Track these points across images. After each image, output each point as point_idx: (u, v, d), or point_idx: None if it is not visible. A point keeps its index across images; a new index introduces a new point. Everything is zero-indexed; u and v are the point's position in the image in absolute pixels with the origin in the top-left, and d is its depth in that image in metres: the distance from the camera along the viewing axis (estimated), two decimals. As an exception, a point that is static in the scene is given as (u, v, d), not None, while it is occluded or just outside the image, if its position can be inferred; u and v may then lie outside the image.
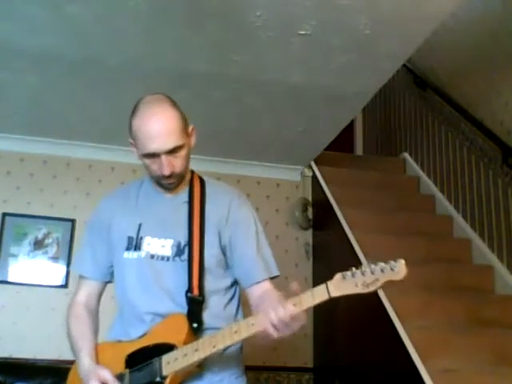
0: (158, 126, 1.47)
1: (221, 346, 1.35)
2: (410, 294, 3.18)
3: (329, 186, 4.15)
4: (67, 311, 1.66)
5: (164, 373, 1.41)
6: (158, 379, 1.41)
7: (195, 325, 1.46)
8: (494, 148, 3.60)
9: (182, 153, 1.52)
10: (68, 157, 4.04)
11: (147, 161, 1.52)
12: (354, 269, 1.29)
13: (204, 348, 1.37)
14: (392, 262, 1.26)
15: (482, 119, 3.79)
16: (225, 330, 1.37)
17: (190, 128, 1.59)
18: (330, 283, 1.30)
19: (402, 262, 1.26)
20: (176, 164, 1.52)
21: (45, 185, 3.98)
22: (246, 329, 1.35)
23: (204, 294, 1.51)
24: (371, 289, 1.27)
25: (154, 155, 1.49)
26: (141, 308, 1.53)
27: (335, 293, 1.29)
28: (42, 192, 3.96)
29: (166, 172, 1.50)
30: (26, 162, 3.98)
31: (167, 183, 1.56)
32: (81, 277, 1.71)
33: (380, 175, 4.54)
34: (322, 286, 1.30)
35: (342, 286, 1.29)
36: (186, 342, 1.41)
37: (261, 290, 1.56)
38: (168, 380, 1.40)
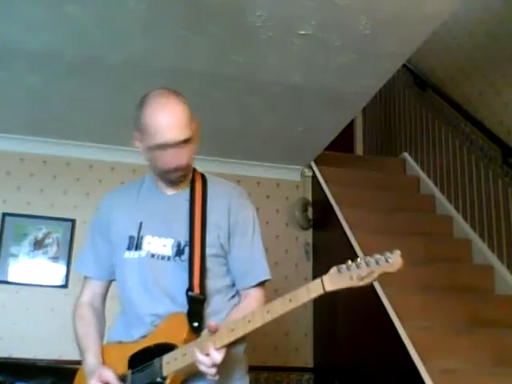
0: (172, 116, 1.48)
1: (218, 346, 1.34)
2: (410, 293, 3.19)
3: (329, 185, 4.15)
4: (73, 312, 1.66)
5: (164, 373, 1.40)
6: (158, 379, 1.41)
7: (196, 324, 1.45)
8: (494, 148, 3.60)
9: (191, 145, 1.53)
10: (68, 157, 4.04)
11: (157, 153, 1.50)
12: (349, 261, 1.27)
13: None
14: (387, 254, 1.24)
15: (482, 119, 3.79)
16: (223, 330, 1.36)
17: (194, 124, 1.59)
18: (325, 277, 1.28)
19: (398, 252, 1.24)
20: (184, 156, 1.52)
21: (45, 185, 3.98)
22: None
23: (206, 293, 1.51)
24: (366, 281, 1.24)
25: (164, 146, 1.48)
26: (142, 309, 1.53)
27: (330, 287, 1.26)
28: (42, 192, 3.96)
29: (182, 162, 1.50)
30: (25, 161, 3.98)
31: (176, 176, 1.56)
32: (85, 277, 1.70)
33: (380, 175, 4.54)
34: (318, 281, 1.28)
35: (337, 279, 1.26)
36: (186, 342, 1.40)
37: (244, 296, 1.59)
38: (168, 380, 1.40)
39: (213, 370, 1.33)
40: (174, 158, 1.49)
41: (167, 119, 1.47)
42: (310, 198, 4.41)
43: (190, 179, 1.63)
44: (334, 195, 4.03)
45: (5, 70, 3.02)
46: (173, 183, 1.59)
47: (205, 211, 1.56)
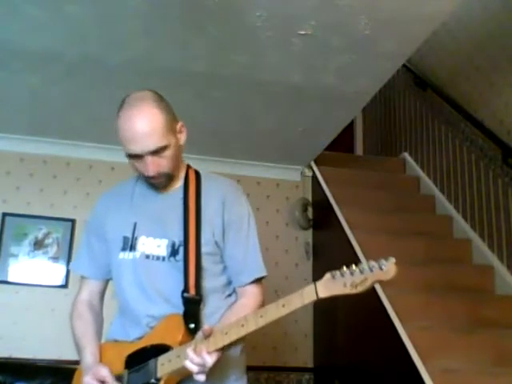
0: (139, 126, 1.43)
1: (211, 349, 1.33)
2: (410, 294, 3.18)
3: (329, 185, 4.15)
4: (70, 311, 1.66)
5: (158, 374, 1.40)
6: (152, 381, 1.40)
7: (192, 325, 1.44)
8: (494, 148, 3.60)
9: (168, 153, 1.48)
10: (68, 157, 4.04)
11: (132, 161, 1.49)
12: (344, 268, 1.23)
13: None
14: (382, 261, 1.20)
15: (482, 119, 3.79)
16: (217, 334, 1.35)
17: (179, 125, 1.55)
18: (318, 283, 1.25)
19: (393, 260, 1.20)
20: (162, 164, 1.48)
21: (45, 185, 3.98)
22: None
23: (201, 293, 1.49)
24: (359, 289, 1.20)
25: (137, 156, 1.46)
26: (138, 311, 1.52)
27: (323, 293, 1.24)
28: (42, 192, 3.96)
29: (151, 173, 1.47)
30: (25, 161, 3.98)
31: (154, 183, 1.54)
32: (82, 276, 1.70)
33: (380, 175, 4.54)
34: (311, 287, 1.26)
35: (330, 286, 1.23)
36: (182, 343, 1.40)
37: (240, 294, 1.57)
38: (162, 382, 1.40)
39: (197, 368, 1.32)
40: (148, 168, 1.47)
41: (134, 130, 1.43)
42: (309, 198, 4.41)
43: (184, 177, 1.61)
44: (334, 195, 4.03)
45: (5, 70, 3.02)
46: (156, 188, 1.57)
47: (199, 209, 1.54)
